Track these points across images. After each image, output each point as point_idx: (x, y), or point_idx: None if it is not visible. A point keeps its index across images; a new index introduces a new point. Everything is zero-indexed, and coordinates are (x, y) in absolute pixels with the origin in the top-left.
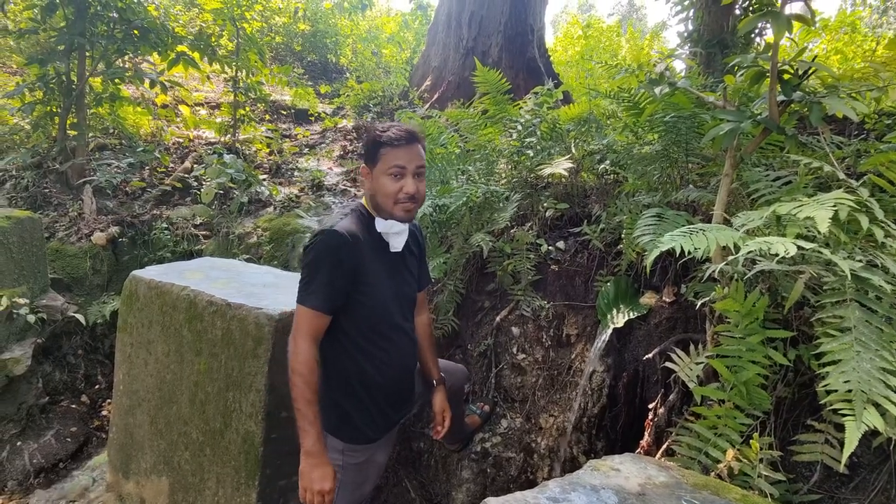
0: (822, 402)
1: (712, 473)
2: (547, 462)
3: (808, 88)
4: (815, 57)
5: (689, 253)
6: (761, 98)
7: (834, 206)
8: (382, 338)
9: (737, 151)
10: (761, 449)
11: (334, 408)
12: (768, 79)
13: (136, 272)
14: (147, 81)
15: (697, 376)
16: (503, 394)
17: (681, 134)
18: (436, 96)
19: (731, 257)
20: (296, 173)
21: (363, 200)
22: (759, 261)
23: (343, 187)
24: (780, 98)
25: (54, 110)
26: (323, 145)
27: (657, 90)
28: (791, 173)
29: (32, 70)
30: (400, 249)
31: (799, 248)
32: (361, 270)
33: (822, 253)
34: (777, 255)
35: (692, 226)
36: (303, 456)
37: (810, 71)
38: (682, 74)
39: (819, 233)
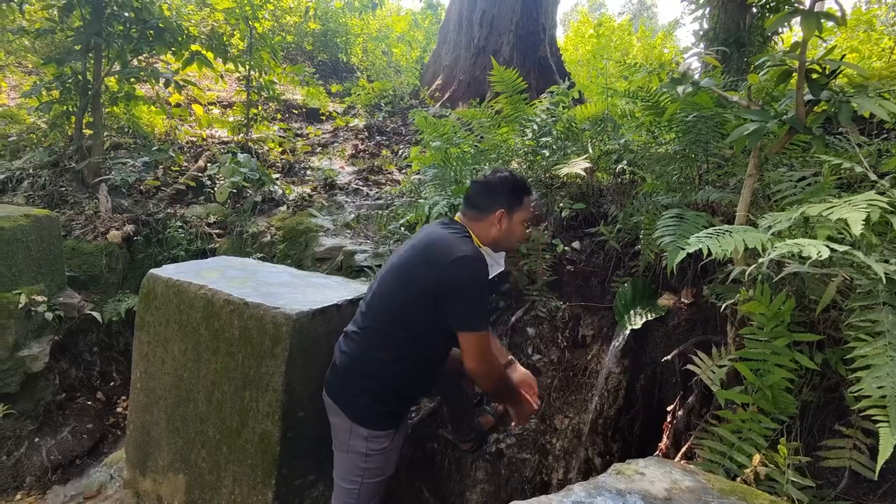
0: (853, 407)
1: (738, 479)
2: (562, 463)
3: (835, 87)
4: (843, 56)
5: (715, 254)
6: (787, 97)
7: (867, 207)
8: (442, 348)
9: (761, 152)
10: (789, 454)
11: (366, 398)
12: (795, 77)
13: (154, 270)
14: (162, 81)
15: (721, 379)
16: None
17: (701, 134)
18: (447, 95)
19: (760, 259)
20: (308, 172)
21: (468, 231)
22: (788, 263)
23: (355, 186)
24: (808, 97)
25: (71, 109)
26: (335, 144)
27: (680, 89)
28: (812, 174)
29: (49, 69)
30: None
31: (832, 250)
32: None
33: (855, 255)
34: (809, 257)
35: (718, 227)
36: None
37: (838, 70)
38: (698, 74)
39: (850, 235)
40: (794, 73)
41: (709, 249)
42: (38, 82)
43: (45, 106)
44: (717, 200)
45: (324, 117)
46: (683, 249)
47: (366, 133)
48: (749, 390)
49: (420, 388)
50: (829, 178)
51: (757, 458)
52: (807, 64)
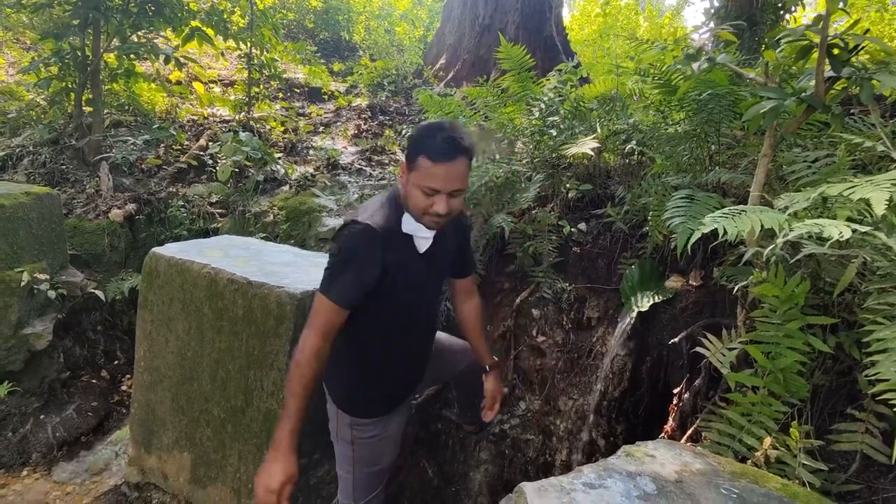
0: (866, 391)
1: (749, 461)
2: (565, 444)
3: (857, 64)
4: (867, 31)
5: (728, 236)
6: (805, 74)
7: (890, 187)
8: (405, 331)
9: (776, 131)
10: (800, 437)
11: (346, 385)
12: (815, 53)
13: (156, 249)
14: (162, 57)
15: (731, 362)
16: (522, 376)
17: (713, 113)
18: (451, 74)
19: (778, 240)
20: (310, 152)
21: (400, 187)
22: (805, 244)
23: (358, 167)
24: (828, 74)
25: (70, 86)
26: (337, 124)
27: (695, 65)
28: (825, 155)
29: (47, 45)
30: (424, 250)
31: (854, 231)
32: (391, 267)
33: (876, 237)
34: (830, 238)
35: (733, 208)
36: (270, 447)
37: (860, 45)
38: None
39: (871, 216)
40: (815, 49)
41: (724, 230)
42: (36, 58)
43: (43, 82)
44: (729, 181)
45: (326, 96)
46: (697, 230)
47: (368, 113)
48: (760, 373)
49: (392, 374)
50: (845, 158)
51: (768, 440)
52: (829, 39)
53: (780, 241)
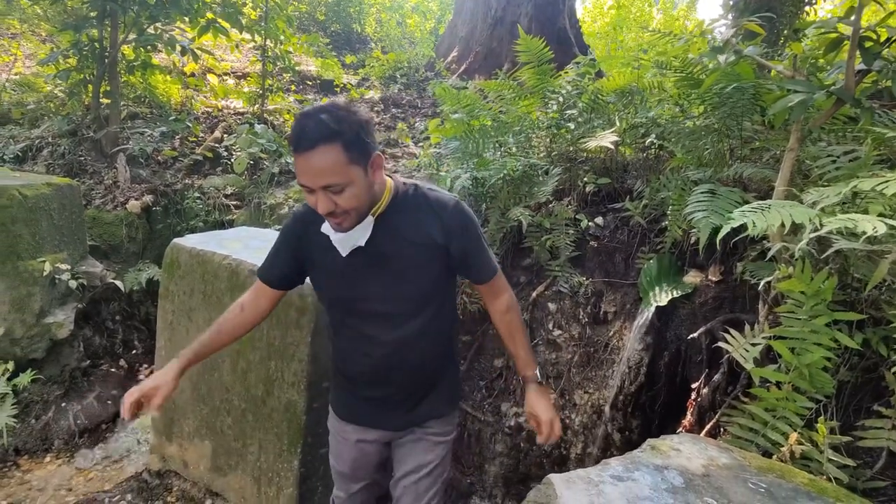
0: (893, 387)
1: (774, 457)
2: (581, 438)
3: (889, 57)
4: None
5: (759, 230)
6: (835, 67)
7: None
8: (345, 325)
9: (803, 125)
10: (826, 433)
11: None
12: (846, 45)
13: (177, 240)
14: (179, 48)
15: (754, 358)
16: (538, 369)
17: (736, 107)
18: (463, 67)
19: (811, 235)
20: None
21: None
22: (834, 240)
23: None
24: (859, 67)
25: (88, 77)
26: None
27: (721, 58)
28: (848, 150)
29: (65, 37)
30: (344, 255)
31: (889, 226)
32: (309, 256)
33: None
34: (864, 233)
35: (761, 202)
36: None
37: (893, 38)
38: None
39: None
40: (846, 41)
41: (753, 224)
42: (54, 50)
43: (62, 73)
44: (752, 176)
45: (338, 89)
46: (726, 224)
47: (381, 105)
48: (784, 369)
49: (340, 369)
50: (872, 152)
51: (794, 436)
52: (861, 31)
53: (809, 235)
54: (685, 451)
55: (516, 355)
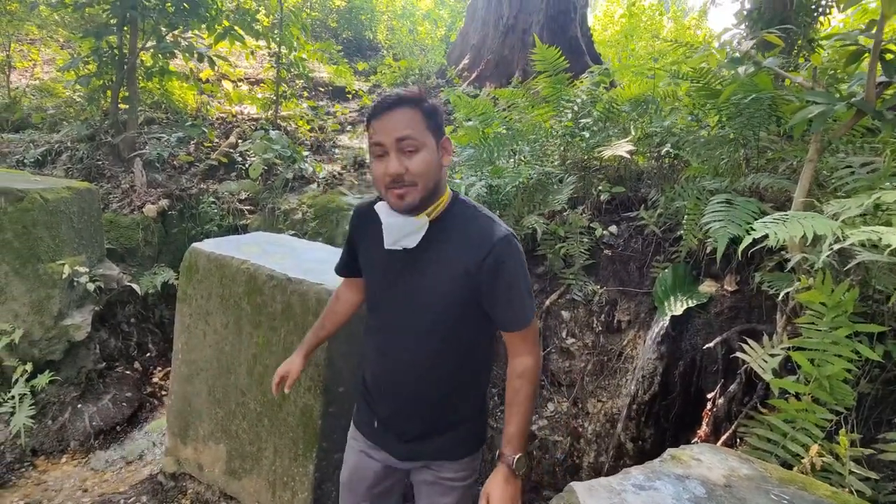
0: None
1: (795, 468)
2: (594, 447)
3: None
4: None
5: (781, 241)
6: (855, 79)
7: None
8: (375, 327)
9: (823, 136)
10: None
11: None
12: (867, 58)
13: (196, 245)
14: (196, 55)
15: (773, 369)
16: (550, 377)
17: (752, 117)
18: (474, 74)
19: (835, 247)
20: (336, 151)
21: None
22: (857, 252)
23: None
24: (880, 79)
25: (107, 83)
26: (362, 123)
27: (741, 69)
28: (865, 162)
29: (85, 44)
30: (392, 246)
31: None
32: (359, 250)
33: None
34: (889, 246)
35: (782, 213)
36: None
37: None
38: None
39: None
40: (866, 53)
41: (775, 235)
42: (75, 55)
43: (83, 79)
44: (769, 186)
45: (350, 95)
46: (748, 236)
47: None
48: (804, 380)
49: (364, 372)
50: (891, 164)
51: (815, 448)
52: (882, 43)
53: (829, 247)
54: (706, 461)
55: (506, 426)
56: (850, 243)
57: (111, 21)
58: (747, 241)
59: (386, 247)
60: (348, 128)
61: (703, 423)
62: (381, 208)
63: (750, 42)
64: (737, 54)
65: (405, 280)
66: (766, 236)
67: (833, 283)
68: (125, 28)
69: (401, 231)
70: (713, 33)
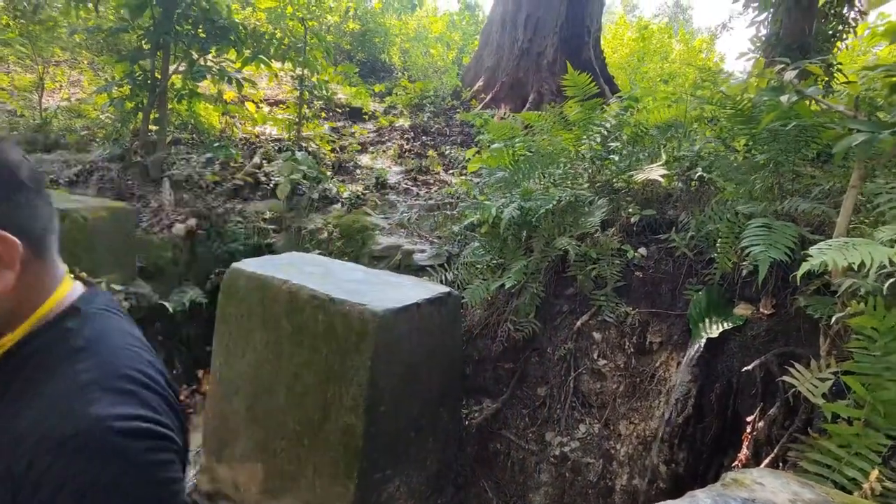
0: None
1: (856, 493)
2: (626, 469)
3: None
4: None
5: (837, 266)
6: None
7: None
8: None
9: (866, 163)
10: None
11: None
12: None
13: (236, 265)
14: (226, 79)
15: (823, 394)
16: (581, 399)
17: (790, 143)
18: (489, 96)
19: (886, 271)
20: (358, 171)
21: None
22: None
23: (405, 186)
24: None
25: (139, 106)
26: (380, 144)
27: (784, 98)
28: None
29: (119, 68)
30: None
31: None
32: None
33: None
34: None
35: (834, 240)
36: None
37: None
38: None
39: None
40: None
41: (841, 262)
42: (102, 77)
43: (118, 102)
44: (807, 211)
45: (366, 117)
46: (807, 263)
47: (411, 133)
48: (856, 404)
49: None
50: None
51: (874, 473)
52: None
53: (877, 272)
54: (768, 485)
55: None
56: None
57: (145, 46)
58: (804, 268)
59: None
60: (370, 148)
61: (744, 447)
62: None
63: (793, 73)
64: (777, 83)
65: None
66: (800, 260)
67: (885, 309)
68: (158, 53)
69: None
70: (722, 56)
